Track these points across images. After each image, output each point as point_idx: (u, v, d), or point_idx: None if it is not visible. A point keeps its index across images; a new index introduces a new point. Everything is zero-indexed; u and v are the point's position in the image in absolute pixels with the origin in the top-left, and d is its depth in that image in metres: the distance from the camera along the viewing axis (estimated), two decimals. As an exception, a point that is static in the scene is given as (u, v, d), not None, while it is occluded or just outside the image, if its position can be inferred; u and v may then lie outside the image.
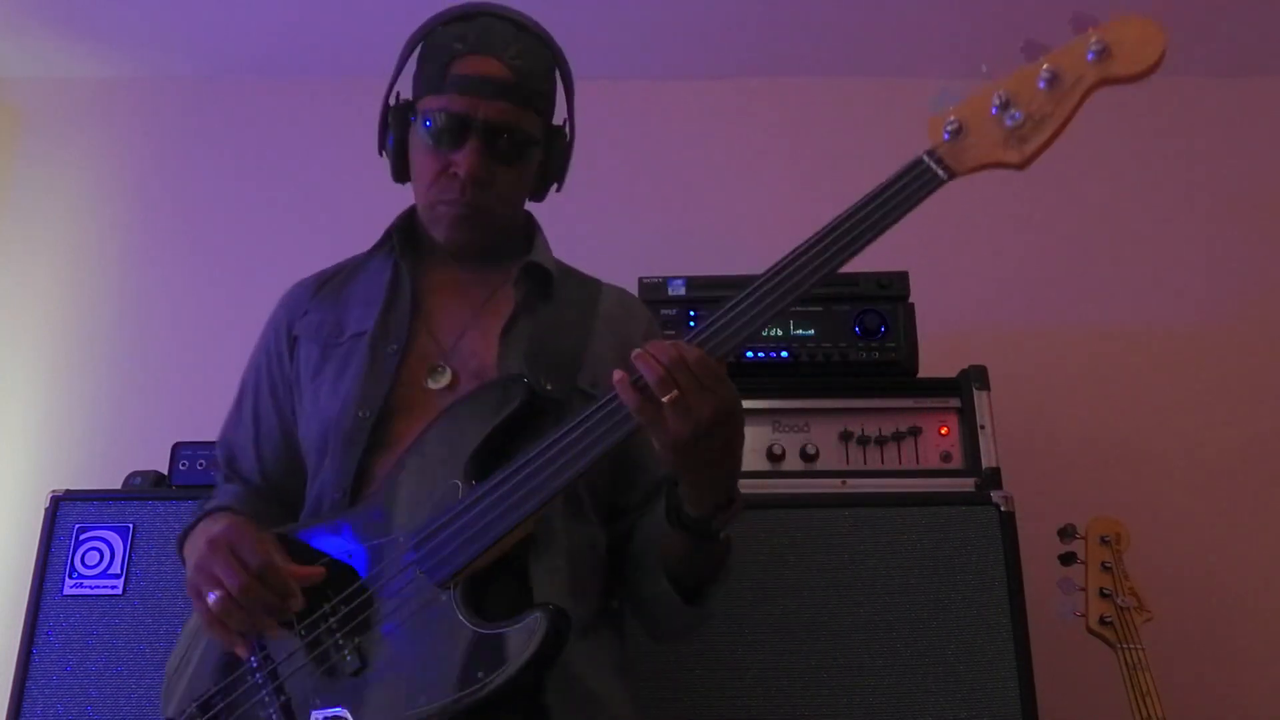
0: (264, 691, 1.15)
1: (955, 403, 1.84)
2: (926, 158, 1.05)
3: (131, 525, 1.80)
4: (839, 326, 1.91)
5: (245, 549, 1.11)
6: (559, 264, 1.41)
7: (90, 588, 1.77)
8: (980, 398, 1.82)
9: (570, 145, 1.40)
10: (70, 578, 1.77)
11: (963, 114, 1.05)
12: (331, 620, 1.14)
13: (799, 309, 1.90)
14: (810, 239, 1.06)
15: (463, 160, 1.26)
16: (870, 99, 2.62)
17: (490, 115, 1.25)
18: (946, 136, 1.04)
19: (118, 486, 1.89)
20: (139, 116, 2.74)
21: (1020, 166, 1.03)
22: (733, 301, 1.06)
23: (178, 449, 1.91)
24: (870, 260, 1.86)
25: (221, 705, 1.18)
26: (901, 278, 1.94)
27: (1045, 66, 1.02)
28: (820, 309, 1.92)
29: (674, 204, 2.61)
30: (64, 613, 1.75)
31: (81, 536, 1.79)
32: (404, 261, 1.37)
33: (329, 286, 1.41)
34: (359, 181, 2.70)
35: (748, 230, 2.50)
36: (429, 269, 1.38)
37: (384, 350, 1.29)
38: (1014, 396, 1.98)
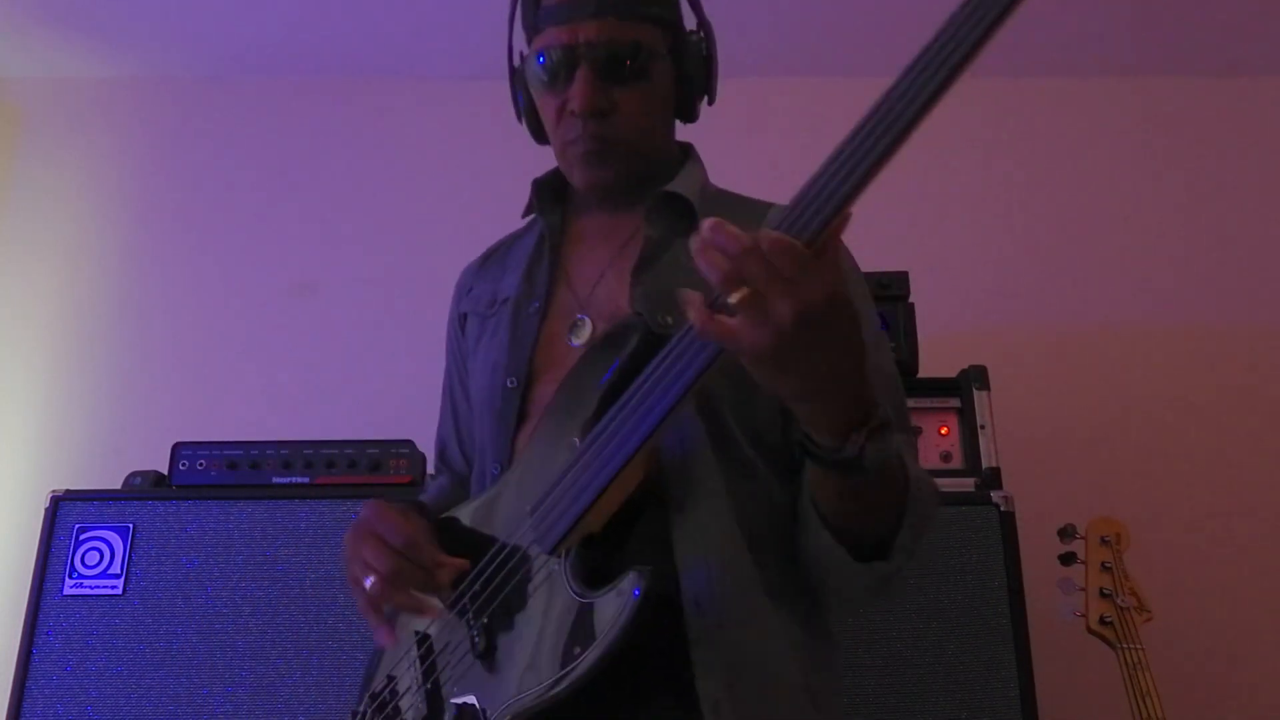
0: (414, 678, 1.10)
1: (955, 403, 1.84)
2: None
3: (131, 525, 1.80)
4: (839, 326, 1.90)
5: (386, 529, 1.05)
6: (716, 191, 1.28)
7: (90, 588, 1.77)
8: (980, 398, 1.82)
9: (708, 50, 1.24)
10: (70, 578, 1.77)
11: None
12: (465, 600, 1.06)
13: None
14: (906, 67, 0.87)
15: (575, 93, 1.14)
16: (870, 99, 2.62)
17: (592, 37, 1.13)
18: None
19: (118, 486, 1.89)
20: (139, 116, 2.74)
21: None
22: (820, 167, 0.87)
23: (178, 449, 1.90)
24: (870, 260, 1.86)
25: (387, 692, 1.13)
26: (901, 278, 1.94)
27: None
28: (820, 309, 1.92)
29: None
30: (64, 613, 1.75)
31: (81, 536, 1.79)
32: (546, 218, 1.27)
33: (493, 259, 1.34)
34: (359, 181, 2.72)
35: (748, 230, 2.49)
36: (574, 220, 1.28)
37: (526, 311, 1.20)
38: (1014, 396, 1.98)
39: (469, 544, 1.09)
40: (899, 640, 1.65)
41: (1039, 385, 2.36)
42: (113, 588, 1.76)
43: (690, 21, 1.25)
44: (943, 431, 1.83)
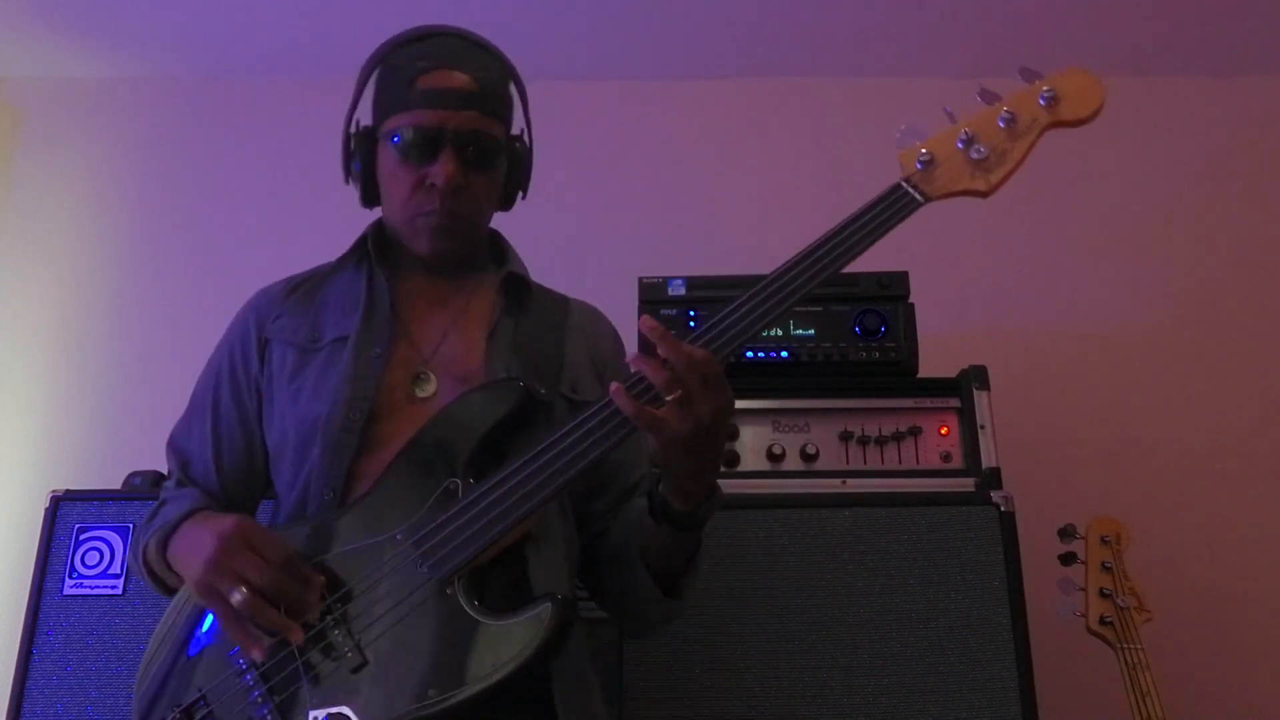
0: (255, 693, 1.13)
1: (955, 403, 1.84)
2: (904, 184, 1.18)
3: (131, 525, 1.79)
4: (839, 326, 1.91)
5: (266, 544, 1.12)
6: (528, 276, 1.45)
7: (90, 588, 1.76)
8: (980, 398, 1.82)
9: (530, 154, 1.44)
10: (70, 578, 1.77)
11: (932, 148, 1.19)
12: (329, 618, 1.13)
13: (799, 309, 1.91)
14: (803, 251, 1.15)
15: (439, 170, 1.29)
16: (870, 99, 2.62)
17: (460, 125, 1.30)
18: (919, 166, 1.18)
19: (118, 486, 1.89)
20: (139, 116, 2.74)
21: (986, 194, 1.18)
22: (734, 304, 1.13)
23: (178, 449, 1.90)
24: (870, 260, 1.86)
25: (206, 710, 1.15)
26: (901, 278, 1.94)
27: (1004, 110, 1.18)
28: (820, 309, 1.92)
29: (674, 204, 2.61)
30: (64, 613, 1.75)
31: (81, 536, 1.79)
32: (382, 271, 1.39)
33: (300, 292, 1.43)
34: (359, 181, 2.71)
35: (748, 230, 2.50)
36: (403, 279, 1.40)
37: (368, 354, 1.30)
38: (1014, 396, 1.98)
39: (311, 561, 1.17)
40: (899, 640, 1.65)
41: (1039, 385, 2.36)
42: (113, 588, 1.76)
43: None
44: (943, 431, 1.83)
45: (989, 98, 1.19)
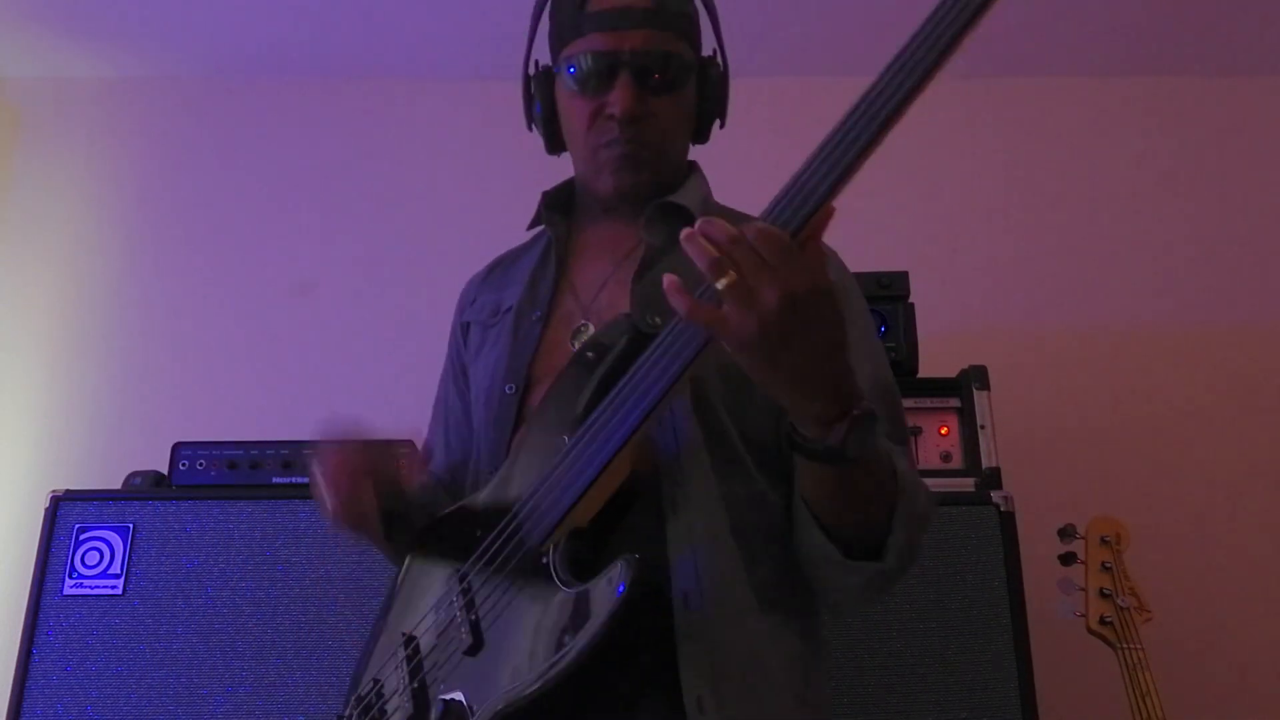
0: (403, 678, 1.10)
1: (955, 403, 1.84)
2: None
3: (131, 525, 1.80)
4: (839, 326, 1.90)
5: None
6: (719, 206, 1.30)
7: (90, 588, 1.77)
8: (980, 398, 1.82)
9: (725, 77, 1.30)
10: (70, 578, 1.77)
11: None
12: (454, 597, 1.07)
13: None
14: (886, 66, 0.89)
15: (617, 98, 1.16)
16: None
17: (637, 45, 1.17)
18: None
19: (118, 486, 1.89)
20: (139, 116, 2.73)
21: None
22: (805, 162, 0.89)
23: (178, 449, 1.90)
24: (870, 260, 1.86)
25: (372, 695, 1.13)
26: (901, 278, 1.94)
27: None
28: (820, 309, 1.92)
29: (674, 204, 2.60)
30: (64, 613, 1.75)
31: (81, 536, 1.79)
32: (554, 228, 1.28)
33: (496, 271, 1.36)
34: (359, 181, 2.71)
35: (748, 230, 2.49)
36: (582, 229, 1.29)
37: (528, 319, 1.22)
38: (1014, 396, 1.98)
39: (456, 543, 1.10)
40: (899, 640, 1.65)
41: (1039, 385, 2.36)
42: (113, 588, 1.76)
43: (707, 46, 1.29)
44: (943, 431, 1.83)
45: None
